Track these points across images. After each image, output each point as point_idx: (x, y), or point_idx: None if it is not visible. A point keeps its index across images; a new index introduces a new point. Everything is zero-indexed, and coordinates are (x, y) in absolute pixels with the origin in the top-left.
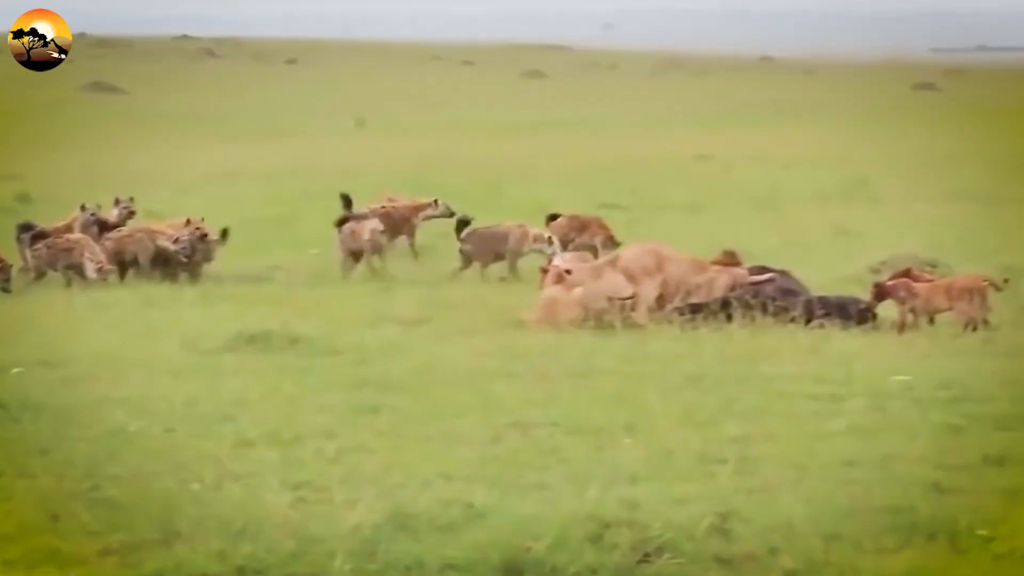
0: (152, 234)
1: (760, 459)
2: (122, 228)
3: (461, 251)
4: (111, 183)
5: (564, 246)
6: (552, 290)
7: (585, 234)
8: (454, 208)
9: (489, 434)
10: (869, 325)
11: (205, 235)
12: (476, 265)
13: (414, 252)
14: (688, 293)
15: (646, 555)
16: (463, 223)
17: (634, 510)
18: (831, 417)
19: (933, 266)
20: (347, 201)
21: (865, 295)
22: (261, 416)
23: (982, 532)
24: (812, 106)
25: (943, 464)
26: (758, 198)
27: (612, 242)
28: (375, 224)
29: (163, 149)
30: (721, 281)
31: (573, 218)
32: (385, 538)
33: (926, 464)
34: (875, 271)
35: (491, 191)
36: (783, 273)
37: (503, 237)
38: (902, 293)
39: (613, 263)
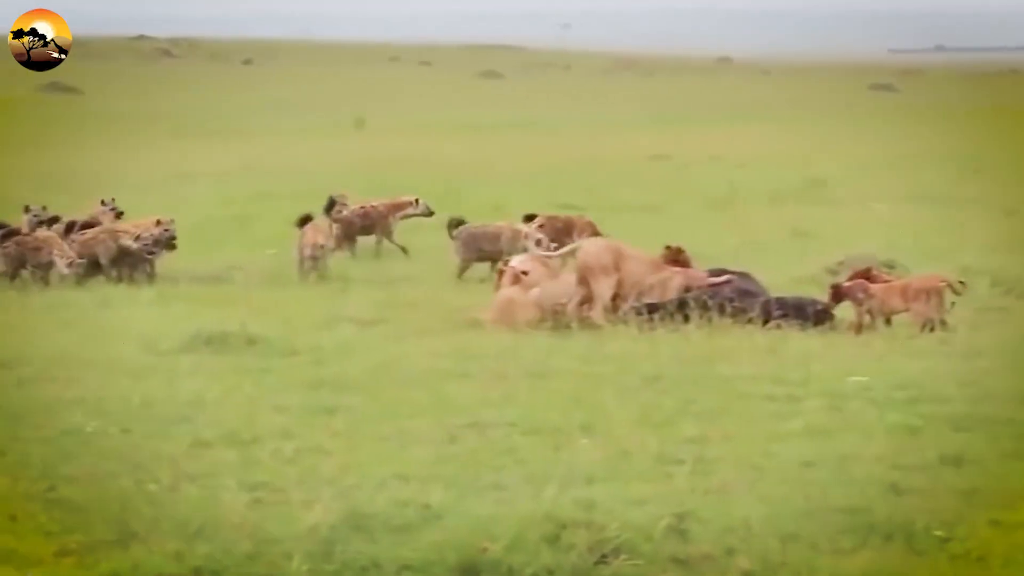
0: (115, 234)
1: (717, 460)
2: (86, 230)
3: (457, 251)
4: (69, 183)
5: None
6: (509, 291)
7: (573, 234)
8: (433, 207)
9: (445, 434)
10: (826, 326)
11: (173, 237)
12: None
13: (380, 250)
14: (642, 292)
15: (603, 556)
16: (456, 223)
17: (591, 511)
18: (788, 418)
19: (891, 267)
20: (331, 203)
21: (822, 296)
22: (218, 417)
23: (939, 533)
24: (769, 106)
25: (900, 465)
26: (715, 198)
27: None
28: (319, 238)
29: (120, 149)
30: (676, 282)
31: (553, 218)
32: (341, 539)
33: (883, 465)
34: (832, 272)
35: (448, 191)
36: (743, 275)
37: (495, 237)
38: (859, 294)
39: (571, 257)
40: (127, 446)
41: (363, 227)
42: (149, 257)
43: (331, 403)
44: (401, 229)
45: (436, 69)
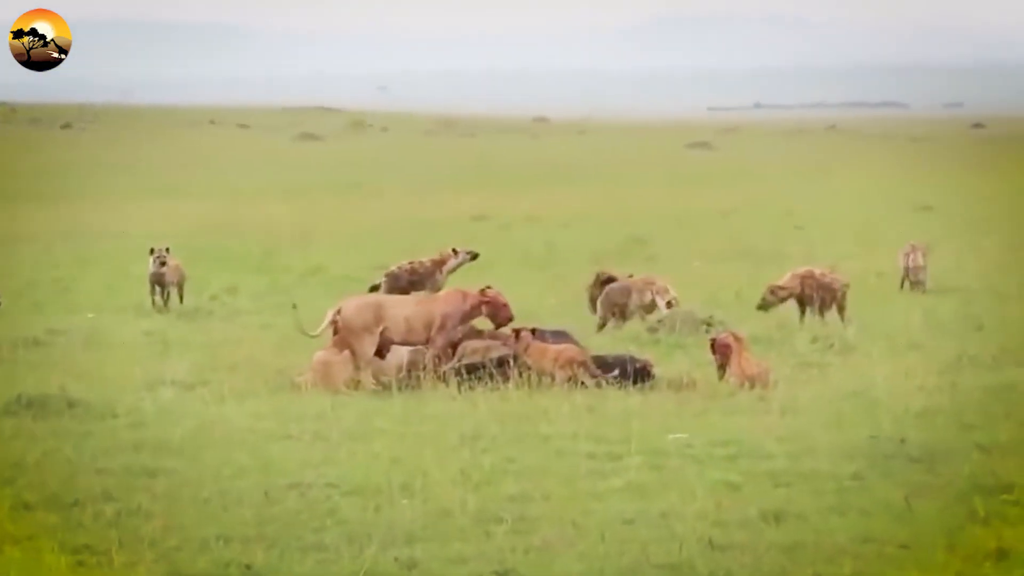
0: None
1: (538, 518)
2: None
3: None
4: None
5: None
6: (324, 353)
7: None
8: (476, 251)
9: (266, 495)
10: (646, 384)
11: None
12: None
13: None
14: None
15: None
16: (606, 279)
17: (412, 570)
18: (609, 475)
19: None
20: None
21: (641, 353)
22: (40, 479)
23: None
24: (587, 165)
25: (721, 521)
26: (535, 258)
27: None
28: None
29: None
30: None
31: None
32: None
33: (704, 521)
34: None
35: (266, 254)
36: (561, 333)
37: (626, 291)
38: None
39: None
40: None
41: (411, 283)
42: None
43: (152, 465)
44: (215, 290)
45: (254, 132)
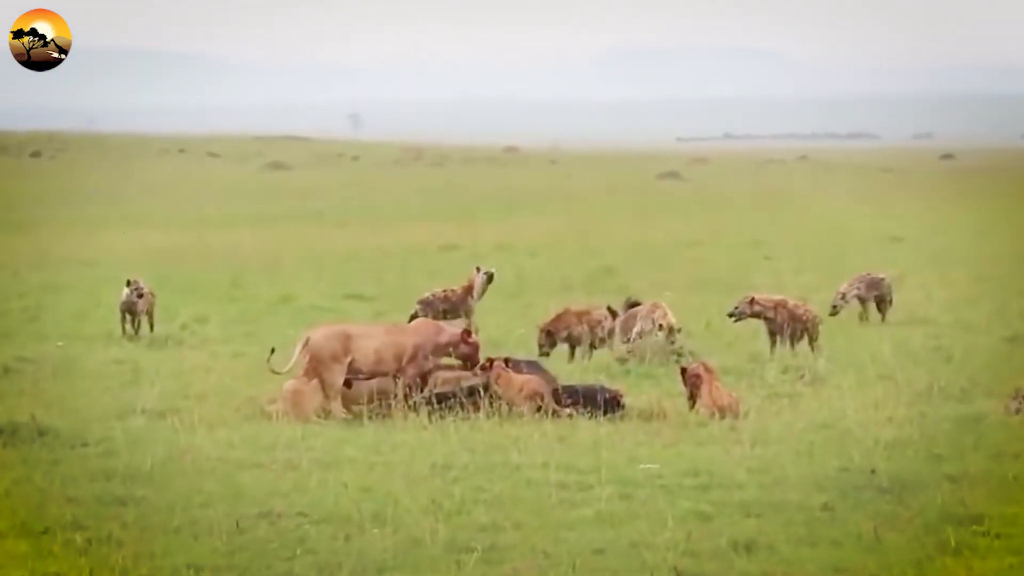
0: None
1: (508, 548)
2: None
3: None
4: None
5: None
6: (294, 382)
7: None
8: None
9: (236, 525)
10: (616, 414)
11: None
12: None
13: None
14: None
15: None
16: (633, 303)
17: None
18: (579, 505)
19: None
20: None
21: (611, 383)
22: (10, 508)
23: None
24: (557, 195)
25: (691, 551)
26: (505, 287)
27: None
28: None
29: None
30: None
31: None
32: None
33: (674, 551)
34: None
35: (235, 283)
36: (532, 363)
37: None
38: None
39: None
40: None
41: (444, 311)
42: None
43: (123, 494)
44: (185, 319)
45: (224, 161)
